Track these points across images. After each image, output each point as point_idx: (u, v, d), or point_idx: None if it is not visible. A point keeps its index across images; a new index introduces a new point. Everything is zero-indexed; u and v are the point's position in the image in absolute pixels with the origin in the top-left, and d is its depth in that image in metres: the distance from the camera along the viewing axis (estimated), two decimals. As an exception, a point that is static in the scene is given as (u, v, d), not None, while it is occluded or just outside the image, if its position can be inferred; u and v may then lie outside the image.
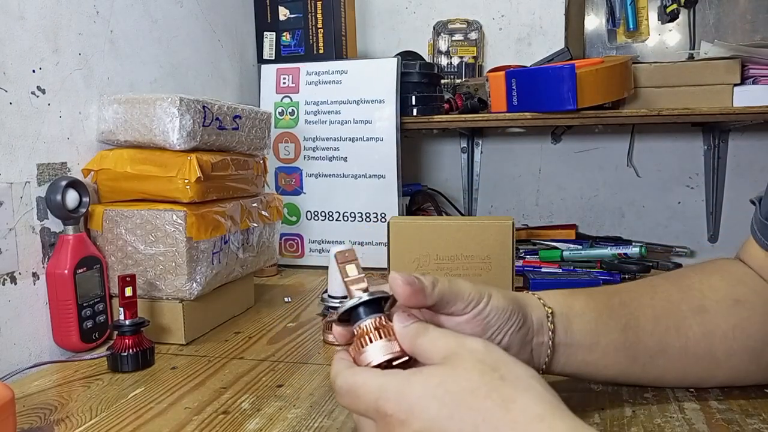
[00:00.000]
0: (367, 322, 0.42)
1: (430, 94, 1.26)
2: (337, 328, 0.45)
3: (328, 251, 0.54)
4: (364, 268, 0.45)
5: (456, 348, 0.38)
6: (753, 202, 0.59)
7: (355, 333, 0.43)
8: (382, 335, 0.42)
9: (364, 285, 0.44)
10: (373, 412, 0.38)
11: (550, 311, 0.51)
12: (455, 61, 1.50)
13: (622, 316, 0.53)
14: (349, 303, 0.43)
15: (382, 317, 0.43)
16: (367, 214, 1.24)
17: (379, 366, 0.41)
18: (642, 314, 0.54)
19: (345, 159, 1.24)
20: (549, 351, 0.51)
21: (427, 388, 0.36)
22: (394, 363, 0.41)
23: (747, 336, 0.54)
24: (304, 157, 1.26)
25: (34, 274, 0.74)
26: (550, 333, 0.51)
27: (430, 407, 0.36)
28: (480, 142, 1.57)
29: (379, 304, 0.43)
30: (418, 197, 1.47)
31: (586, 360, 0.53)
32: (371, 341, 0.41)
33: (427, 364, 0.39)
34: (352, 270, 0.45)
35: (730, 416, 0.53)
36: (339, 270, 0.45)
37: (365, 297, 0.42)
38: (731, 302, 0.54)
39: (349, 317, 0.44)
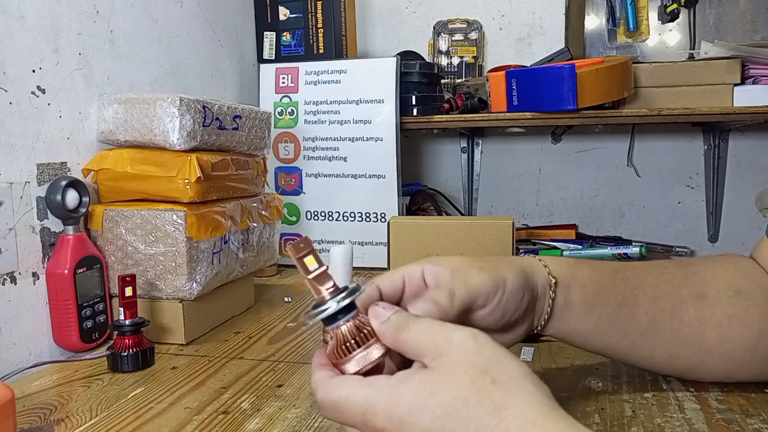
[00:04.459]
0: (344, 328, 0.40)
1: (430, 94, 1.26)
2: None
3: (329, 251, 0.54)
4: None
5: (444, 346, 0.37)
6: None
7: (331, 337, 0.40)
8: (361, 342, 0.39)
9: (330, 283, 0.40)
10: (361, 425, 0.37)
11: (554, 281, 0.52)
12: (455, 61, 1.50)
13: (620, 292, 0.54)
14: (322, 314, 0.39)
15: (358, 315, 0.40)
16: (367, 214, 1.24)
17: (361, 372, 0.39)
18: (642, 293, 0.54)
19: (345, 159, 1.24)
20: (546, 316, 0.52)
21: (417, 399, 0.35)
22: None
23: (743, 325, 0.54)
24: (304, 157, 1.26)
25: (34, 274, 0.74)
26: (550, 301, 0.52)
27: (421, 419, 0.35)
28: (480, 142, 1.57)
29: (353, 303, 0.40)
30: (418, 197, 1.47)
31: (578, 329, 0.53)
32: (350, 351, 0.39)
33: (415, 359, 0.38)
34: (311, 263, 0.40)
35: (730, 416, 0.53)
36: (297, 265, 0.40)
37: (334, 307, 0.39)
38: (732, 292, 0.55)
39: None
